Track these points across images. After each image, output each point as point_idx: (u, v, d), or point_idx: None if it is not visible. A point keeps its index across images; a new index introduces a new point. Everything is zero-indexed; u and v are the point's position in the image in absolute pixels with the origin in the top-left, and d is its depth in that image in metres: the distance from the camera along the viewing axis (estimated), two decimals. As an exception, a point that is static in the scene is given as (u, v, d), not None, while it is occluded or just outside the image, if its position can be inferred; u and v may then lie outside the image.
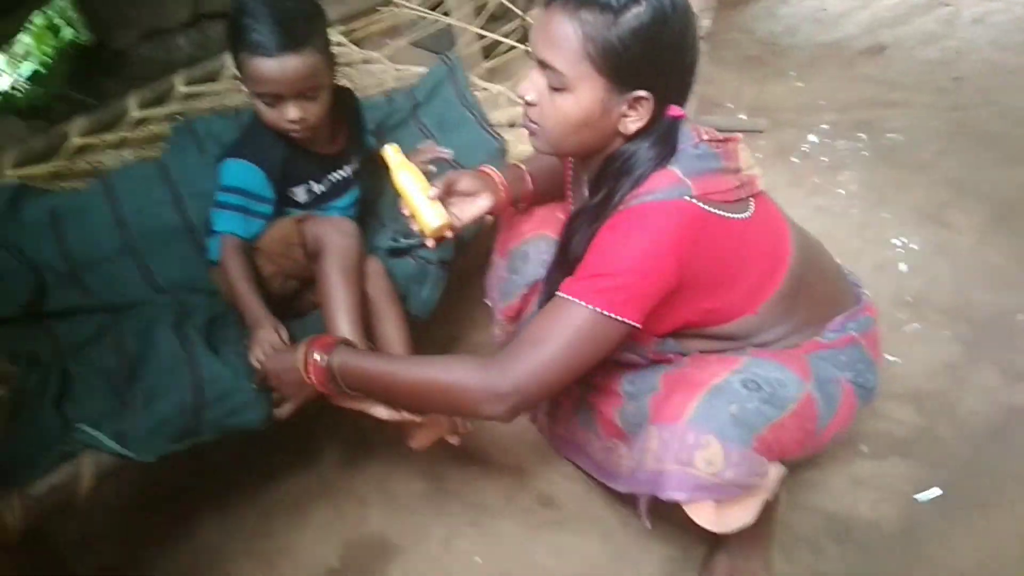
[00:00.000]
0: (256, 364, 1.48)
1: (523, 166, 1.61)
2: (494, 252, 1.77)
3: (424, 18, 2.72)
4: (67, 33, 3.41)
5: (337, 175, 1.74)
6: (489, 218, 1.61)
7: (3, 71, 3.40)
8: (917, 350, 2.09)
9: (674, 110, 1.27)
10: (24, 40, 3.29)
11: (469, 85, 2.21)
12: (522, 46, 2.52)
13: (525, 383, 1.23)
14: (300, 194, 1.69)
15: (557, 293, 1.27)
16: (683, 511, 1.33)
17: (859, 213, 2.56)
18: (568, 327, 1.23)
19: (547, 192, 1.64)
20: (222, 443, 1.51)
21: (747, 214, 1.31)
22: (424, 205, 1.44)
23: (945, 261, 2.36)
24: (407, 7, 2.70)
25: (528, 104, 1.29)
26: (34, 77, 3.31)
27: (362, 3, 2.77)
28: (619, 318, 1.22)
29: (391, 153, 1.47)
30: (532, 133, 1.33)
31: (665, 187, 1.25)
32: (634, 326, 1.25)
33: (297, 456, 1.89)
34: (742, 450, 1.26)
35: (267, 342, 1.49)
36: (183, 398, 1.44)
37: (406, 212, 1.46)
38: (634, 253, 1.23)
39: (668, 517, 1.65)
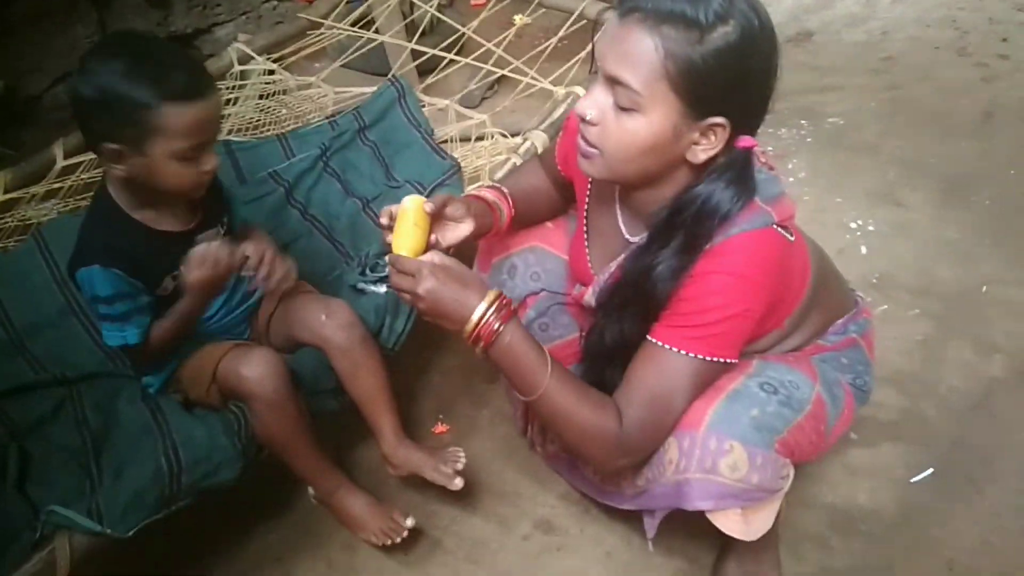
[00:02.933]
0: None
1: (504, 188, 1.53)
2: (475, 266, 1.70)
3: (354, 39, 2.64)
4: (-27, 82, 3.24)
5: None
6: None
7: (-94, 128, 3.21)
8: (890, 331, 2.09)
9: (746, 140, 1.16)
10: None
11: (420, 106, 2.15)
12: (460, 59, 2.46)
13: (647, 448, 1.29)
14: (168, 285, 1.49)
15: (658, 344, 1.22)
16: (685, 523, 1.30)
17: (812, 199, 2.57)
18: (685, 384, 1.23)
19: (530, 213, 1.57)
20: (194, 505, 1.43)
21: (793, 236, 1.24)
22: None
23: (904, 240, 2.39)
24: (338, 28, 2.62)
25: (588, 123, 1.17)
26: (-60, 132, 3.13)
27: (289, 28, 2.69)
28: (725, 360, 1.22)
29: (409, 207, 1.28)
30: (587, 156, 1.21)
31: (749, 216, 1.18)
32: (733, 363, 1.24)
33: (274, 508, 1.78)
34: (765, 453, 1.23)
35: None
36: (158, 465, 1.36)
37: (388, 239, 1.30)
38: (735, 293, 1.18)
39: (670, 530, 1.62)
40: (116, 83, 1.28)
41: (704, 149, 1.15)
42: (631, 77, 1.09)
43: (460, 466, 1.57)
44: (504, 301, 1.23)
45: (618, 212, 1.38)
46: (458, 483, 1.57)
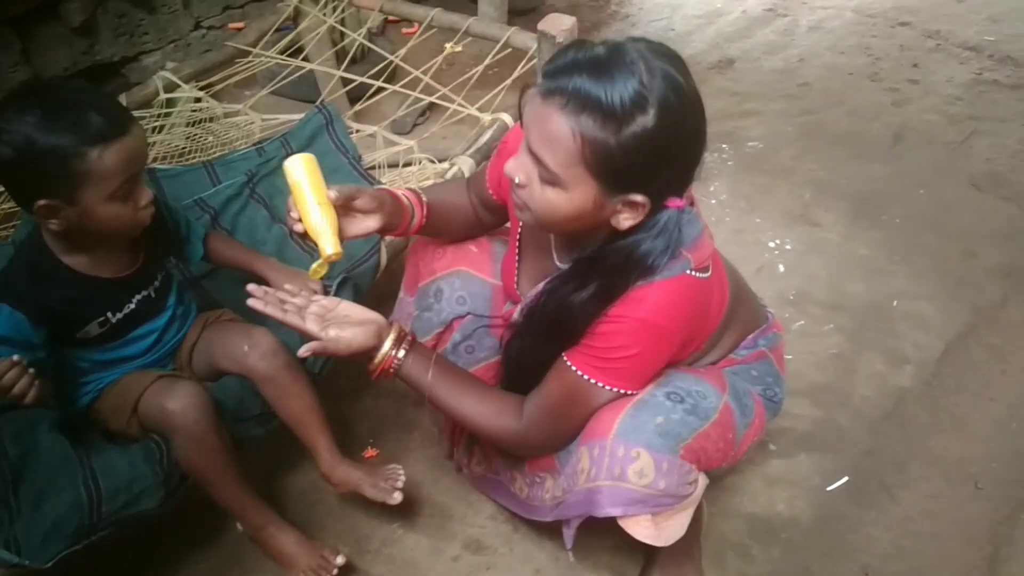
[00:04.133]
0: (311, 326, 1.33)
1: (423, 195, 1.54)
2: (401, 289, 1.72)
3: (284, 67, 2.66)
4: None
5: (140, 295, 1.54)
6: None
7: None
8: (804, 345, 2.18)
9: (674, 202, 1.18)
10: None
11: (348, 132, 2.18)
12: (390, 87, 2.49)
13: (546, 446, 1.44)
14: (93, 330, 1.48)
15: (570, 367, 1.29)
16: (611, 538, 1.33)
17: (732, 220, 2.66)
18: (585, 403, 1.32)
19: (441, 225, 1.59)
20: (119, 539, 1.42)
21: (710, 272, 1.28)
22: (324, 231, 1.32)
23: (818, 258, 2.49)
24: (266, 56, 2.63)
25: (517, 186, 1.21)
26: None
27: (218, 56, 2.69)
28: (631, 392, 1.31)
29: (293, 169, 1.34)
30: (519, 209, 1.25)
31: (668, 264, 1.22)
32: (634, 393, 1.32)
33: (200, 537, 1.76)
34: (671, 459, 1.28)
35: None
36: (76, 495, 1.35)
37: (299, 228, 1.34)
38: (648, 334, 1.23)
39: (596, 546, 1.67)
40: (34, 137, 1.25)
41: (627, 218, 1.18)
42: (550, 159, 1.12)
43: (400, 483, 1.60)
44: (400, 337, 1.41)
45: (551, 238, 1.42)
46: (397, 497, 1.58)
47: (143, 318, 1.56)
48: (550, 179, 1.15)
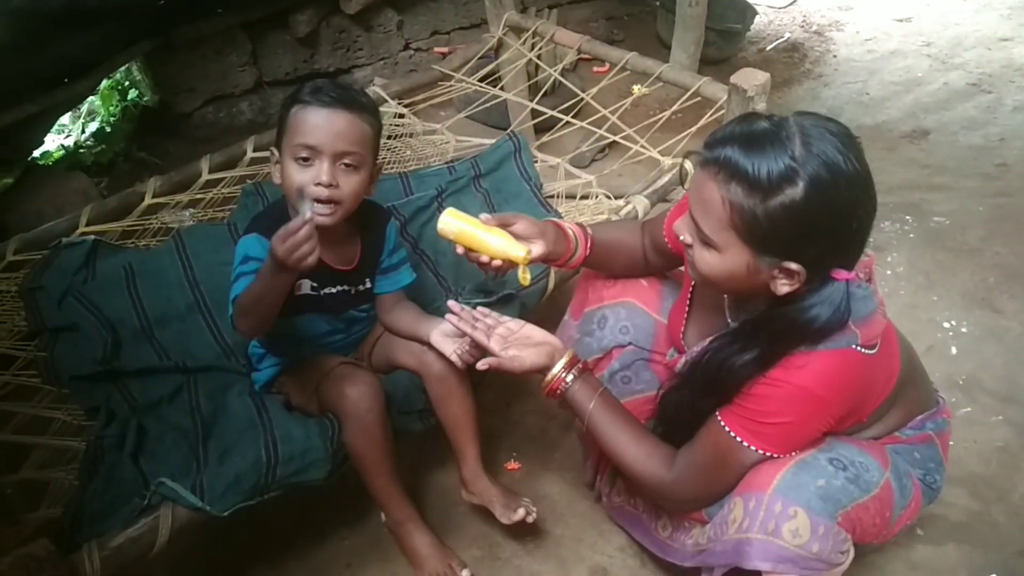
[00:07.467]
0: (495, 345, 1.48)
1: (590, 231, 1.63)
2: (567, 312, 1.80)
3: (481, 94, 2.82)
4: (132, 94, 3.57)
5: (341, 287, 1.68)
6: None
7: (69, 128, 3.56)
8: (969, 433, 2.09)
9: (842, 274, 1.22)
10: (90, 99, 3.44)
11: (533, 161, 2.29)
12: (577, 122, 2.59)
13: (693, 502, 1.48)
14: (304, 286, 1.62)
15: (723, 426, 1.34)
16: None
17: (907, 295, 2.58)
18: (734, 463, 1.36)
19: (605, 261, 1.67)
20: (279, 504, 1.55)
21: (877, 348, 1.29)
22: (505, 245, 1.45)
23: (995, 345, 2.37)
24: (467, 82, 2.80)
25: (684, 243, 1.32)
26: (98, 135, 3.46)
27: (423, 77, 2.89)
28: (775, 456, 1.33)
29: (448, 224, 1.46)
30: (689, 265, 1.35)
31: (835, 336, 1.25)
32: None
33: (350, 517, 1.91)
34: (828, 524, 1.28)
35: None
36: (258, 455, 1.49)
37: (494, 264, 1.47)
38: (804, 402, 1.27)
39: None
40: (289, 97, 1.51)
41: (783, 284, 1.23)
42: (704, 224, 1.24)
43: (529, 515, 1.69)
44: (573, 362, 1.50)
45: (725, 296, 1.47)
46: (520, 514, 1.68)
47: (337, 304, 1.70)
48: (706, 241, 1.24)
